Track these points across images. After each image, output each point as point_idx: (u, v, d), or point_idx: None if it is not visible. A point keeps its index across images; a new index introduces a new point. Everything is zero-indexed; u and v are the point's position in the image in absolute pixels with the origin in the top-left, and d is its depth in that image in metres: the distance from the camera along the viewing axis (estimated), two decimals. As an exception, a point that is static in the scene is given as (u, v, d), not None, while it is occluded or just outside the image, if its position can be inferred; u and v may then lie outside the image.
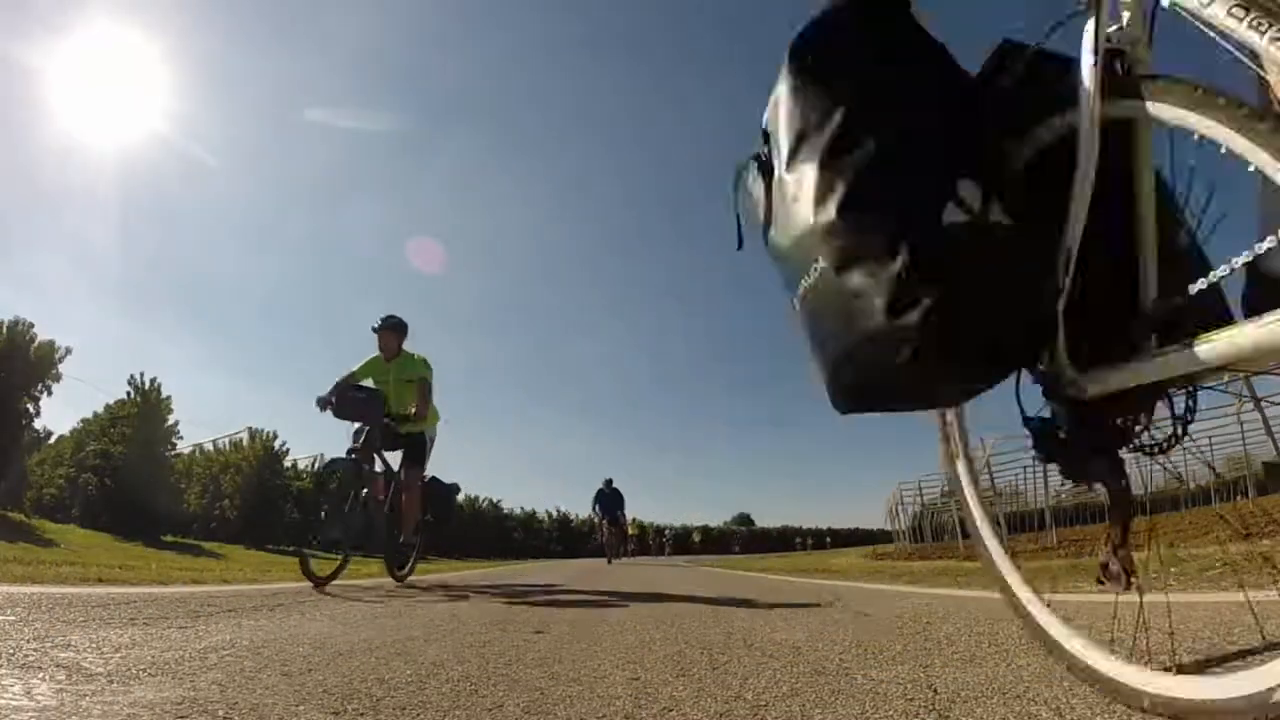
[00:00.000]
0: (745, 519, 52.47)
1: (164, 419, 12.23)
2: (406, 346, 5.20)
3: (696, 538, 36.95)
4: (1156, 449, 1.13)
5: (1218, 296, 1.00)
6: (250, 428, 15.10)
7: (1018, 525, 18.78)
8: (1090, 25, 1.01)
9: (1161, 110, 0.89)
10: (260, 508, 13.88)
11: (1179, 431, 1.11)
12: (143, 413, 11.86)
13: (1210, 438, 15.86)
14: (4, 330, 9.51)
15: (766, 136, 1.18)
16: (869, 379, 1.04)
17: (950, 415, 1.51)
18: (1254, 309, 0.83)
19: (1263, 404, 6.79)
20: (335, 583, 4.27)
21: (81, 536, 9.32)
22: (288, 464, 15.79)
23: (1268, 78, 0.85)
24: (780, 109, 1.11)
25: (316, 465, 17.35)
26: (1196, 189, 1.01)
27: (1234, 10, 0.76)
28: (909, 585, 4.45)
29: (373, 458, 4.80)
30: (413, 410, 4.90)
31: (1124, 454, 1.15)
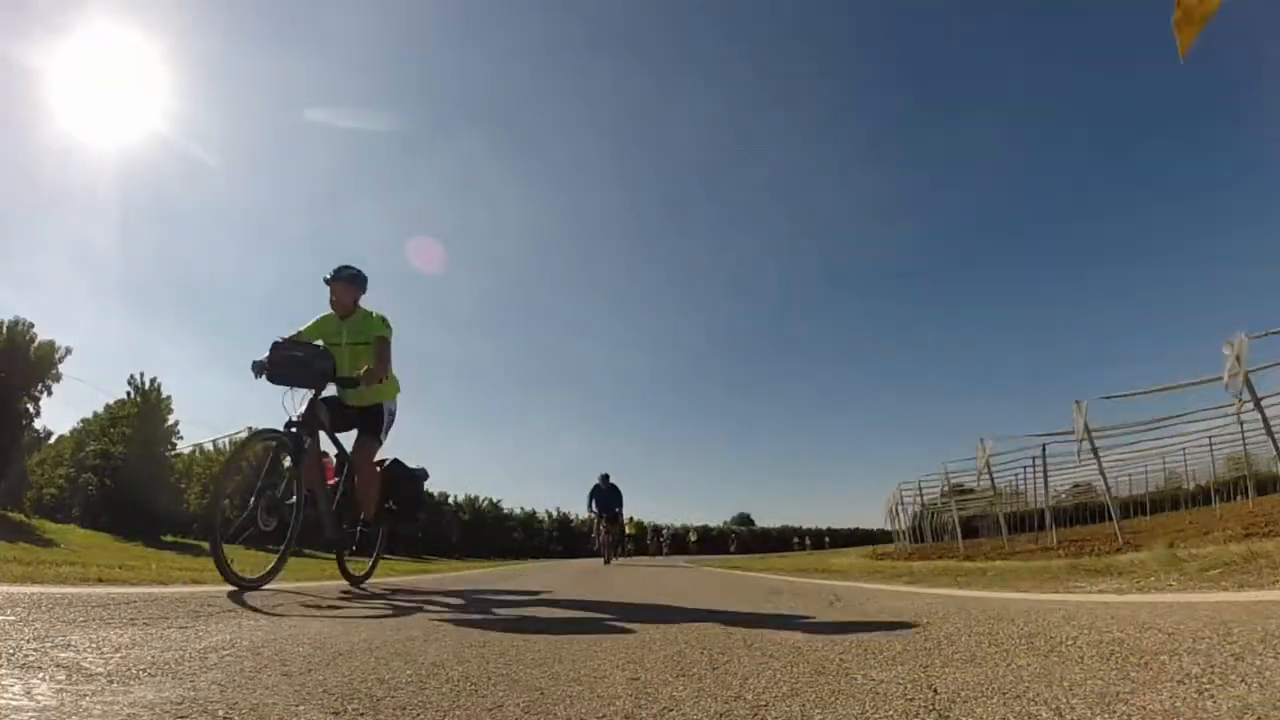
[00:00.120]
0: (745, 519, 52.45)
1: (164, 419, 12.24)
2: (366, 304, 4.37)
3: (693, 537, 36.94)
4: None
5: None
6: (250, 428, 15.05)
7: (1018, 525, 18.82)
8: None
9: None
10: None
11: None
12: (143, 413, 11.87)
13: (1210, 438, 15.86)
14: (4, 330, 9.52)
15: None
16: None
17: None
18: None
19: (1263, 404, 6.77)
20: (267, 588, 3.56)
21: (81, 536, 9.31)
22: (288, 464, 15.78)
23: None
24: None
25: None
26: None
27: None
28: (909, 585, 4.44)
29: (317, 431, 3.92)
30: (364, 370, 3.99)
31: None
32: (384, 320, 4.29)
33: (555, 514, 30.79)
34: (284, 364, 3.83)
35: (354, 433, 4.35)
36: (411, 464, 4.65)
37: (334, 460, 4.27)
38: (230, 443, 15.07)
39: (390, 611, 2.84)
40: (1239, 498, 18.16)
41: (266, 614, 2.56)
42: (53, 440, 13.81)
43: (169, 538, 11.12)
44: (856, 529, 46.40)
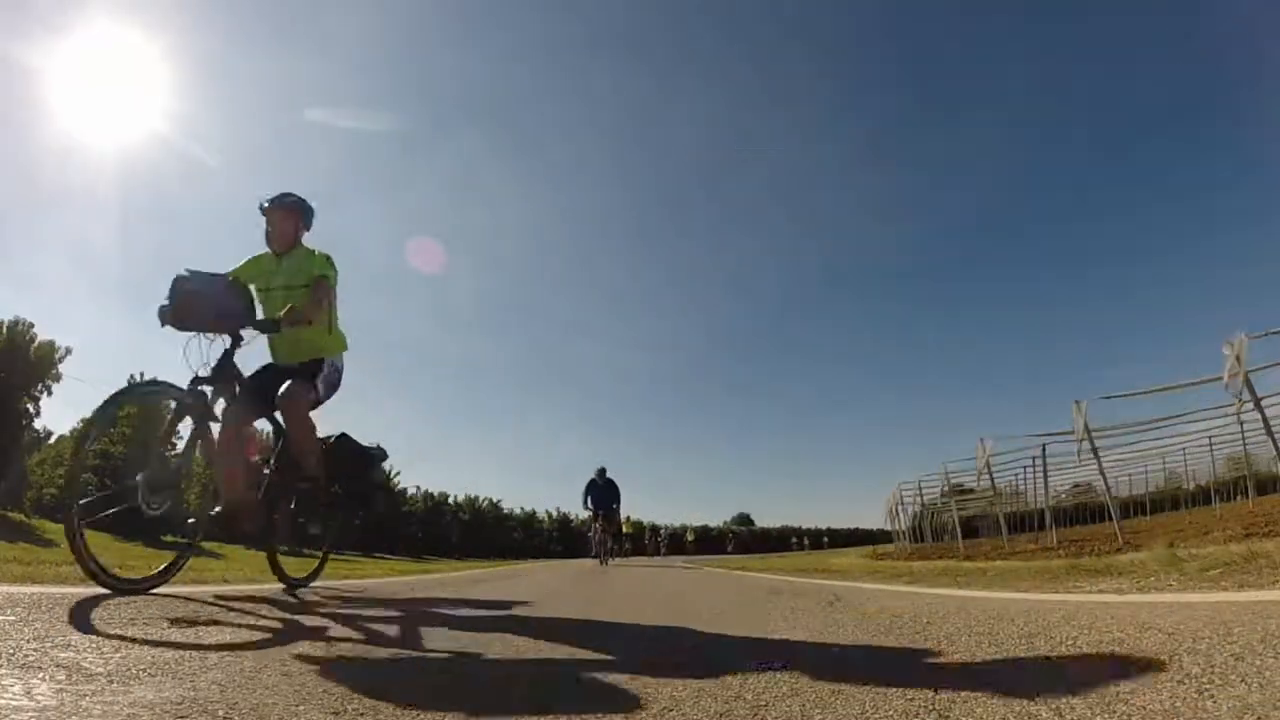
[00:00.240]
0: (745, 519, 52.45)
1: (164, 419, 12.22)
2: (311, 243, 3.62)
3: (691, 537, 36.93)
4: None
5: None
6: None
7: (1018, 525, 18.83)
8: None
9: None
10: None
11: None
12: (143, 413, 11.86)
13: (1210, 438, 15.86)
14: (4, 330, 9.52)
15: None
16: None
17: None
18: None
19: (1263, 404, 6.77)
20: (160, 590, 2.82)
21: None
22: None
23: None
24: None
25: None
26: None
27: None
28: (909, 585, 4.44)
29: (235, 391, 3.10)
30: (285, 312, 3.12)
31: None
32: (328, 259, 3.53)
33: (555, 514, 30.79)
34: (186, 302, 2.95)
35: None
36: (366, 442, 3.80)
37: (262, 436, 3.45)
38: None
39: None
40: (1239, 498, 18.17)
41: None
42: (53, 440, 13.80)
43: (169, 538, 11.11)
44: (856, 529, 46.45)
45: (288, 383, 3.33)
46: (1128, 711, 1.07)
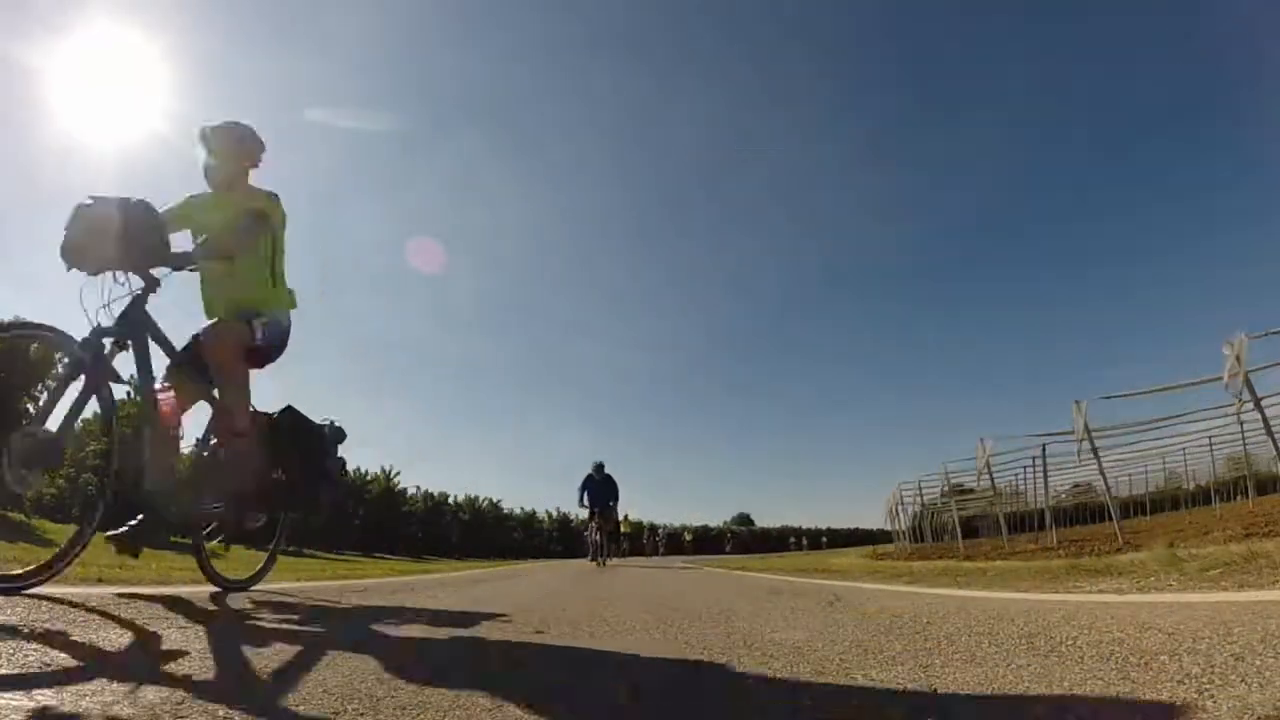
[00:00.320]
0: (745, 519, 52.47)
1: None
2: (259, 183, 3.12)
3: (689, 537, 36.96)
4: None
5: None
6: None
7: (1018, 525, 18.83)
8: None
9: None
10: (260, 508, 13.87)
11: None
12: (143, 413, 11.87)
13: (1210, 438, 15.86)
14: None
15: None
16: None
17: None
18: None
19: (1263, 404, 6.77)
20: (42, 590, 2.20)
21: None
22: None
23: None
24: None
25: None
26: None
27: None
28: (909, 585, 4.44)
29: (146, 343, 2.54)
30: (201, 242, 2.72)
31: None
32: (273, 196, 3.03)
33: (555, 514, 30.81)
34: (84, 233, 2.33)
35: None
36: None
37: (172, 397, 2.69)
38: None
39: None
40: (1239, 498, 18.18)
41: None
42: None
43: (169, 538, 11.11)
44: (856, 529, 46.50)
45: (217, 324, 2.82)
46: (1128, 713, 1.07)
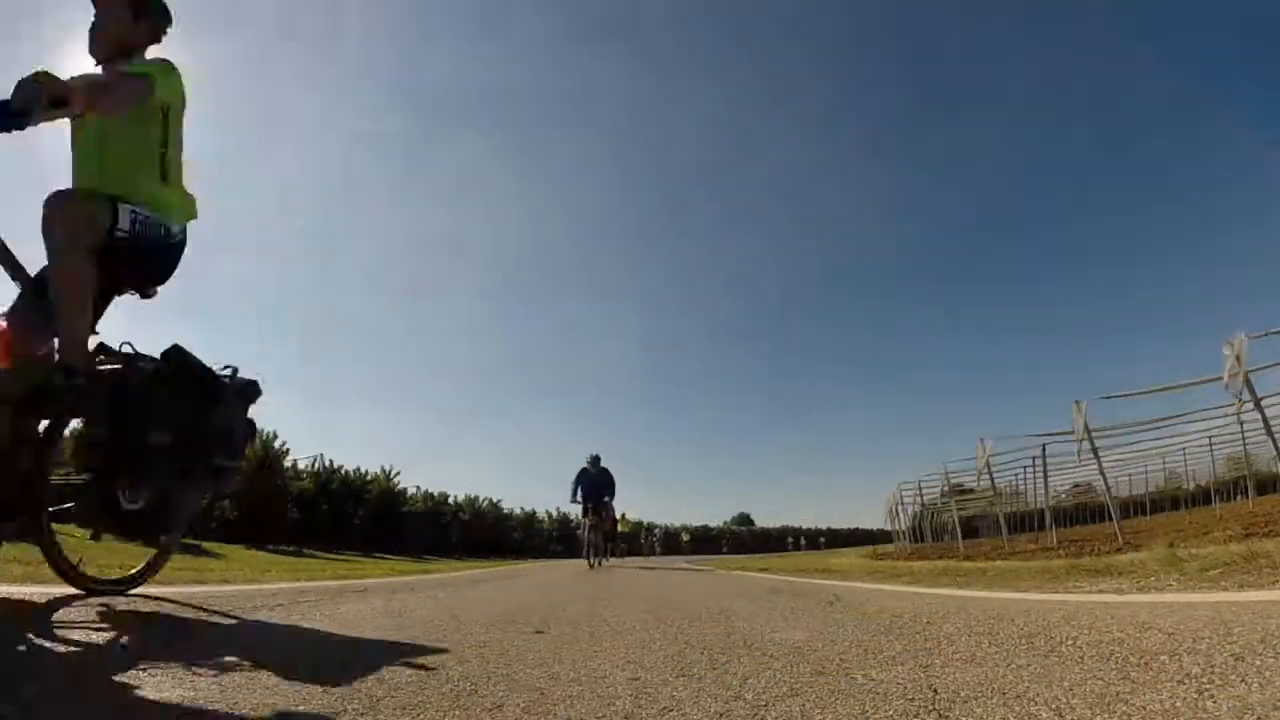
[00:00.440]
0: (745, 519, 52.48)
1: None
2: (161, 53, 2.44)
3: (685, 537, 36.97)
4: None
5: None
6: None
7: (1018, 525, 18.82)
8: None
9: None
10: (260, 508, 13.89)
11: None
12: (143, 413, 11.87)
13: (1210, 438, 15.86)
14: (4, 330, 9.50)
15: None
16: None
17: None
18: None
19: (1263, 404, 6.77)
20: None
21: (81, 536, 9.30)
22: (288, 464, 15.82)
23: None
24: None
25: (316, 464, 17.33)
26: None
27: None
28: (909, 585, 4.45)
29: None
30: (36, 72, 1.84)
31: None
32: (166, 64, 2.34)
33: (555, 514, 30.80)
34: None
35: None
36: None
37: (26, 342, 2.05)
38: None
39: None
40: (1239, 498, 18.18)
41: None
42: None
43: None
44: (856, 529, 46.53)
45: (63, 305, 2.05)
46: (1128, 711, 1.07)
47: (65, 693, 1.21)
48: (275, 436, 15.08)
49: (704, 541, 38.39)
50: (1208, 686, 1.15)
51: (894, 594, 3.70)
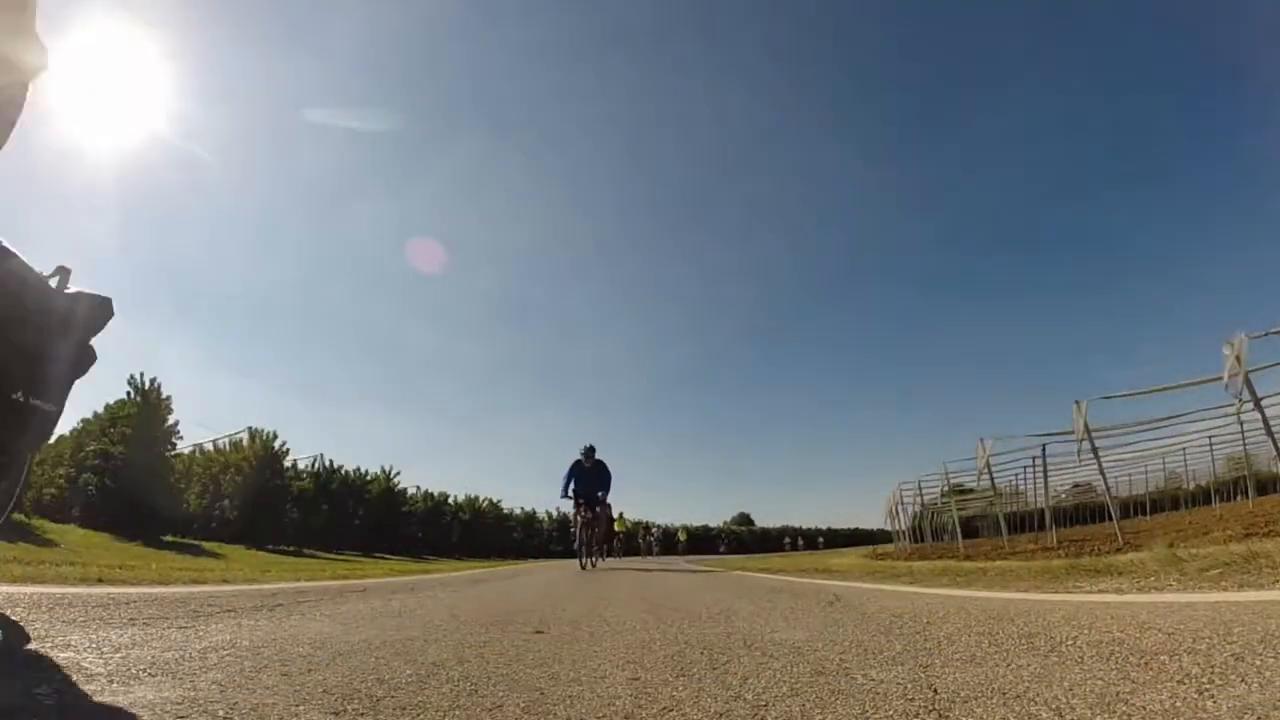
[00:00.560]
0: (745, 519, 52.49)
1: (164, 419, 12.24)
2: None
3: (682, 537, 36.92)
4: None
5: None
6: (250, 428, 15.11)
7: (1018, 525, 18.83)
8: None
9: None
10: (260, 508, 13.90)
11: None
12: (143, 413, 11.87)
13: (1210, 438, 15.86)
14: (4, 330, 9.51)
15: None
16: None
17: None
18: None
19: (1263, 404, 6.77)
20: None
21: (81, 536, 9.32)
22: (288, 464, 15.82)
23: None
24: None
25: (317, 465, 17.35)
26: None
27: None
28: (909, 585, 4.44)
29: None
30: None
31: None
32: None
33: (555, 514, 30.79)
34: None
35: None
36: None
37: None
38: (230, 442, 15.10)
39: None
40: (1239, 498, 18.18)
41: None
42: (53, 440, 13.83)
43: (169, 538, 11.13)
44: (856, 529, 46.50)
45: None
46: (1128, 711, 1.07)
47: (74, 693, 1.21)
48: (275, 436, 15.09)
49: (702, 541, 38.35)
50: (1208, 686, 1.15)
51: (894, 594, 3.70)
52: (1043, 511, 14.44)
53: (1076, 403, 8.90)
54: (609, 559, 13.49)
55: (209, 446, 15.11)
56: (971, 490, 16.61)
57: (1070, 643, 1.67)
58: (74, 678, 1.32)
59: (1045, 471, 12.44)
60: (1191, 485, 21.52)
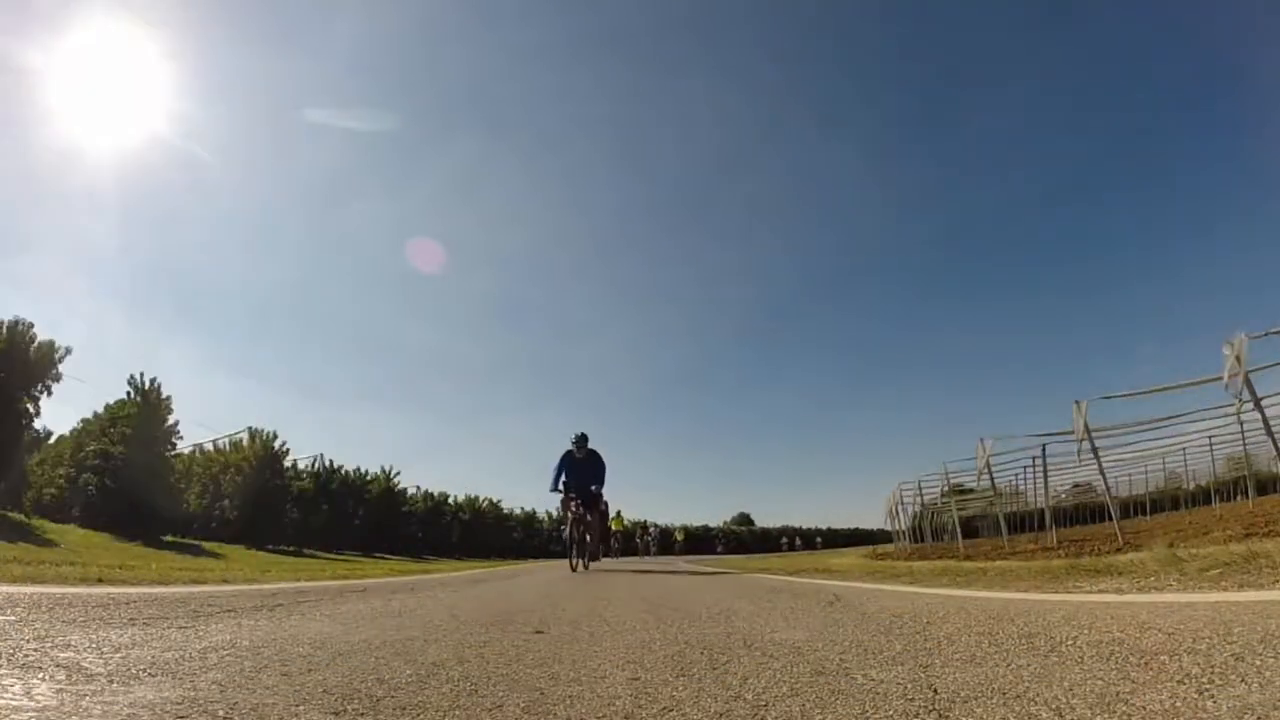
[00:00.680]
0: (745, 519, 52.50)
1: (164, 419, 12.25)
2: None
3: (679, 536, 36.90)
4: None
5: None
6: (250, 428, 15.13)
7: (1018, 525, 18.83)
8: None
9: None
10: (260, 508, 13.91)
11: None
12: (143, 413, 11.88)
13: (1210, 438, 15.86)
14: (4, 330, 9.53)
15: None
16: None
17: None
18: None
19: (1263, 404, 6.77)
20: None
21: (81, 536, 9.33)
22: (288, 464, 15.83)
23: None
24: None
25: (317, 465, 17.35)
26: None
27: None
28: (909, 585, 4.45)
29: None
30: None
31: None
32: None
33: (555, 514, 30.80)
34: None
35: None
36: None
37: None
38: (230, 442, 15.11)
39: None
40: (1239, 498, 18.18)
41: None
42: (53, 440, 13.83)
43: (169, 538, 11.14)
44: (857, 529, 46.50)
45: None
46: (1128, 711, 1.07)
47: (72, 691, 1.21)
48: (275, 436, 15.10)
49: (700, 541, 38.31)
50: (1208, 686, 1.15)
51: (894, 594, 3.70)
52: (1043, 511, 14.44)
53: (1076, 403, 8.90)
54: (605, 559, 12.94)
55: (209, 446, 15.14)
56: (971, 490, 16.61)
57: (1070, 643, 1.67)
58: (74, 678, 1.32)
59: (1045, 471, 12.44)
60: (1191, 485, 21.52)
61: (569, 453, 8.68)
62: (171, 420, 12.40)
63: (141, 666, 1.46)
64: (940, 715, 1.12)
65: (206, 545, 10.94)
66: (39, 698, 1.16)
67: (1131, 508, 21.47)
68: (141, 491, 11.14)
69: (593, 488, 8.67)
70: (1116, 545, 7.07)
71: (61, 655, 1.53)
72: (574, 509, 8.52)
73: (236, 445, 14.93)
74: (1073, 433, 9.05)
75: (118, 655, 1.57)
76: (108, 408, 12.31)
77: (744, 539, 41.74)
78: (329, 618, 2.61)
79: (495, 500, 27.48)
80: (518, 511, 29.19)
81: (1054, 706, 1.12)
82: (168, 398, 12.30)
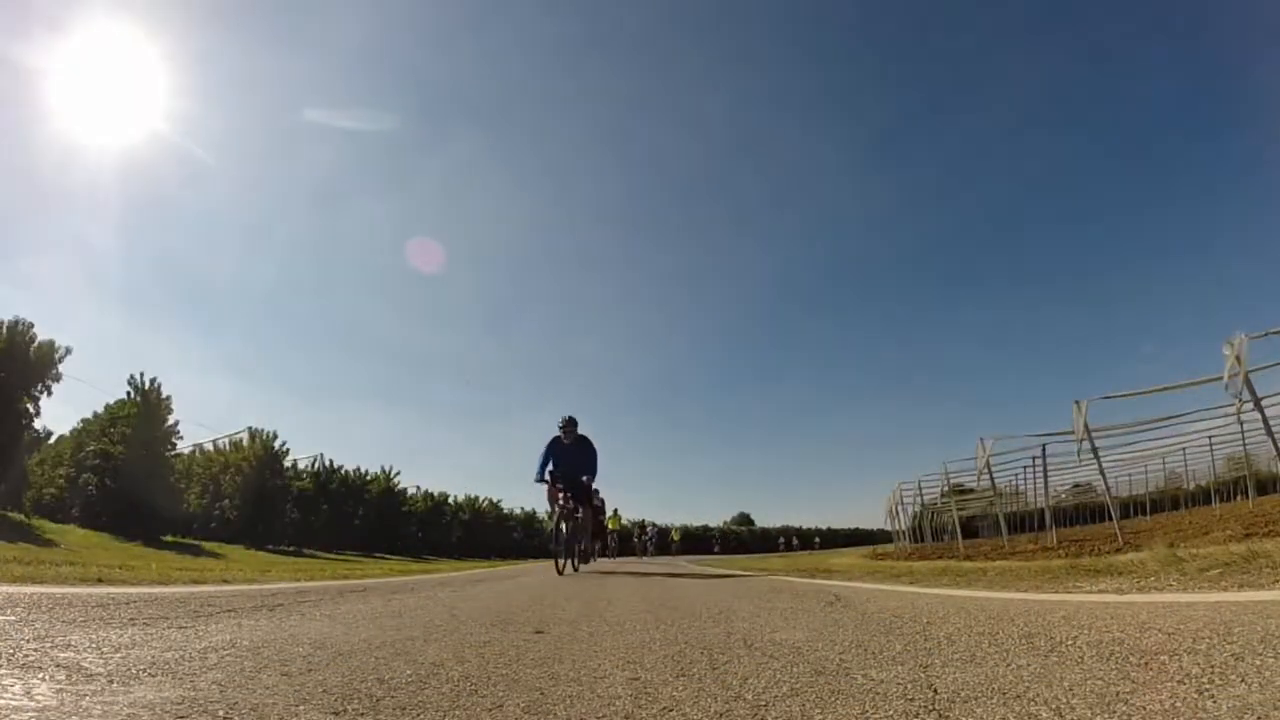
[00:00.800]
0: (745, 519, 52.52)
1: (164, 419, 12.26)
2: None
3: (676, 536, 36.91)
4: None
5: None
6: (250, 428, 15.14)
7: (1018, 525, 18.83)
8: None
9: None
10: (260, 508, 13.91)
11: None
12: (143, 413, 11.88)
13: (1210, 438, 15.86)
14: (4, 330, 9.53)
15: None
16: None
17: None
18: None
19: (1263, 404, 6.77)
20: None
21: (81, 536, 9.32)
22: (288, 464, 15.84)
23: None
24: None
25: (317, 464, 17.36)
26: None
27: None
28: (909, 585, 4.44)
29: None
30: None
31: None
32: None
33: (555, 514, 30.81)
34: None
35: None
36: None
37: None
38: (230, 442, 15.11)
39: None
40: (1239, 498, 18.18)
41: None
42: (53, 440, 13.84)
43: (169, 537, 11.14)
44: (857, 529, 46.52)
45: None
46: (1128, 711, 1.07)
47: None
48: (275, 436, 15.11)
49: (698, 541, 38.31)
50: (1208, 686, 1.15)
51: (894, 594, 3.70)
52: (1043, 511, 14.45)
53: (1076, 403, 8.90)
54: (601, 559, 12.06)
55: (209, 446, 15.15)
56: (971, 490, 16.61)
57: (1070, 643, 1.67)
58: (74, 678, 1.32)
59: (1045, 471, 12.45)
60: (1191, 485, 21.53)
61: (555, 439, 7.63)
62: (171, 420, 12.41)
63: (141, 666, 1.46)
64: (940, 715, 1.12)
65: (206, 545, 10.95)
66: (39, 698, 1.16)
67: (1131, 508, 21.47)
68: (141, 491, 11.15)
69: (583, 478, 7.61)
70: (1116, 545, 7.07)
71: (61, 655, 1.53)
72: (561, 501, 7.35)
73: (236, 445, 14.94)
74: (1073, 433, 9.06)
75: (118, 655, 1.57)
76: (108, 408, 12.31)
77: (744, 539, 41.77)
78: (329, 618, 2.61)
79: (495, 500, 27.50)
80: (518, 512, 29.22)
81: (1054, 706, 1.12)
82: (168, 398, 12.31)
